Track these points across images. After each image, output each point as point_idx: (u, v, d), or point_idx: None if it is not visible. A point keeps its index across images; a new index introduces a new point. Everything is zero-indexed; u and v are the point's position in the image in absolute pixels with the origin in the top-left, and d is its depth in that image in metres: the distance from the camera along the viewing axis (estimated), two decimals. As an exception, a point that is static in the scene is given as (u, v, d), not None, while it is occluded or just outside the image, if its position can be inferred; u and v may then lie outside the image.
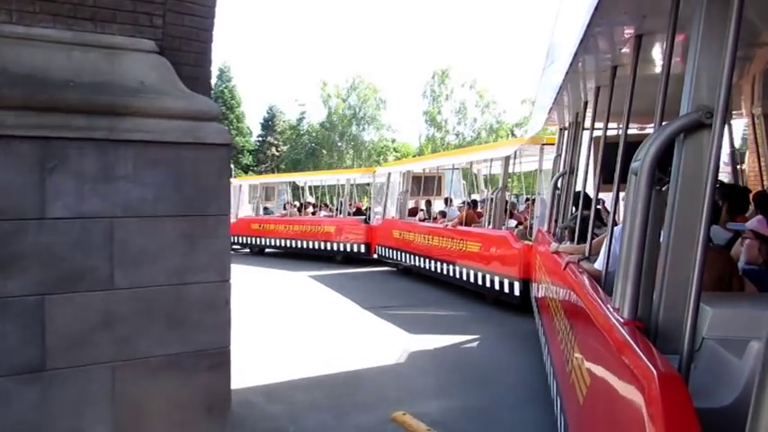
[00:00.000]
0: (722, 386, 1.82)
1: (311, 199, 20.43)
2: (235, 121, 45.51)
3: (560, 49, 3.58)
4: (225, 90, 45.33)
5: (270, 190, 20.03)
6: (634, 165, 2.22)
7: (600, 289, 2.87)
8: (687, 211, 1.95)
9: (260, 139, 49.13)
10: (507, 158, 9.68)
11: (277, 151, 47.12)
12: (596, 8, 2.50)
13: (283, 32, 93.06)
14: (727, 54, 1.76)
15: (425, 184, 13.36)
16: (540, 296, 6.18)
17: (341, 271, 14.01)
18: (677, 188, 2.00)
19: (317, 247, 16.14)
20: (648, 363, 1.69)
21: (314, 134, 43.88)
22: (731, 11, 1.74)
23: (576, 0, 2.91)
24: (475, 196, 13.45)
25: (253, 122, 50.19)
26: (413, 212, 13.88)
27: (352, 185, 16.82)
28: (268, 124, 48.81)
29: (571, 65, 3.46)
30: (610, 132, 4.03)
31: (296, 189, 21.14)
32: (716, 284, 2.49)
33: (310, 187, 21.26)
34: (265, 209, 19.78)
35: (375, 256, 14.23)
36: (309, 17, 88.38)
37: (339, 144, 42.09)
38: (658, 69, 3.37)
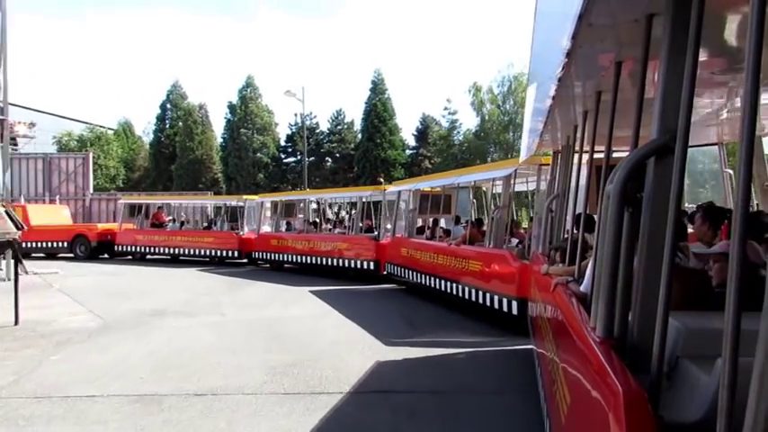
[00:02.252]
0: (693, 403, 1.92)
1: (331, 215, 21.17)
2: (387, 133, 44.15)
3: (543, 74, 3.80)
4: (378, 103, 44.13)
5: (291, 207, 20.44)
6: (607, 188, 2.42)
7: (582, 310, 3.04)
8: (655, 233, 2.10)
9: (413, 151, 47.26)
10: (508, 178, 9.93)
11: (430, 164, 45.13)
12: (573, 36, 2.69)
13: (437, 39, 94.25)
14: (687, 80, 1.92)
15: (436, 203, 13.62)
16: (533, 316, 6.38)
17: (344, 287, 14.30)
18: (647, 210, 2.17)
19: (328, 263, 16.70)
20: (616, 380, 1.86)
21: (465, 144, 42.99)
22: (690, 40, 1.91)
23: (553, 28, 3.12)
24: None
25: (409, 135, 48.17)
26: (421, 230, 14.26)
27: (364, 203, 17.10)
28: (421, 136, 47.18)
29: (556, 91, 3.68)
30: (602, 156, 4.22)
31: (317, 205, 21.52)
32: (691, 304, 2.65)
33: (330, 204, 21.68)
34: (288, 224, 20.26)
35: (384, 273, 14.61)
36: (461, 20, 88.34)
37: (493, 153, 41.05)
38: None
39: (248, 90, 45.84)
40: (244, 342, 7.87)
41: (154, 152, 48.27)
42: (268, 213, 21.54)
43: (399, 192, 14.93)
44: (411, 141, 47.71)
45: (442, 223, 14.17)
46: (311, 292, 13.15)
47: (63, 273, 17.42)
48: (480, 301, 9.51)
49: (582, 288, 3.59)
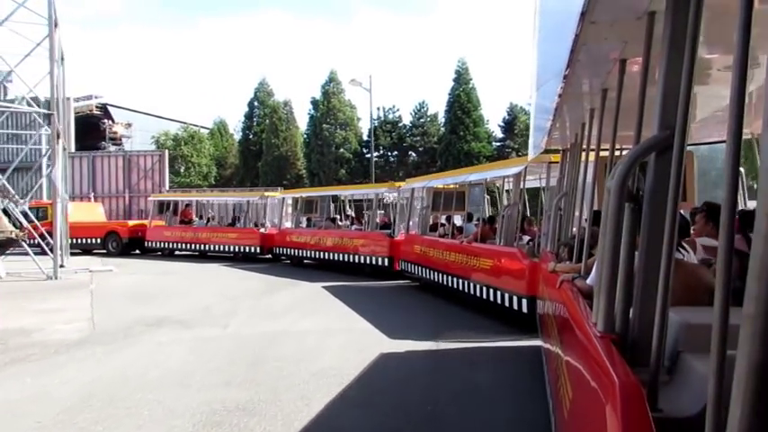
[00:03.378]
0: (691, 397, 1.90)
1: (351, 212, 21.03)
2: (471, 125, 40.63)
3: (549, 72, 3.73)
4: (461, 93, 40.74)
5: (311, 203, 20.41)
6: (608, 183, 2.37)
7: (586, 305, 2.98)
8: (655, 228, 2.06)
9: (499, 143, 42.93)
10: (518, 176, 9.82)
11: (518, 156, 40.35)
12: (577, 35, 2.64)
13: (524, 23, 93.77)
14: (685, 77, 1.88)
15: (450, 200, 13.51)
16: (542, 313, 6.30)
17: (355, 283, 14.28)
18: (647, 205, 2.13)
19: (345, 259, 16.65)
20: (613, 374, 1.82)
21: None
22: (688, 37, 1.85)
23: (557, 26, 3.06)
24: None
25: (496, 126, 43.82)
26: (435, 227, 14.10)
27: (380, 199, 17.04)
28: (508, 127, 42.82)
29: (563, 89, 3.61)
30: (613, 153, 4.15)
31: (336, 201, 21.48)
32: (693, 299, 2.59)
33: (350, 200, 21.64)
34: (308, 221, 20.21)
35: (398, 270, 14.52)
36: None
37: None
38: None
39: (331, 85, 43.29)
40: (212, 369, 6.54)
41: (242, 149, 47.46)
42: (290, 210, 21.53)
43: (413, 189, 14.82)
44: (498, 133, 43.51)
45: (457, 221, 14.07)
46: (333, 292, 12.78)
47: (116, 271, 17.14)
48: (491, 298, 9.41)
49: (588, 281, 3.52)
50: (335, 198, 20.97)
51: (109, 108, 47.21)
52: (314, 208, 20.37)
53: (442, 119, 43.51)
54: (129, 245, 23.43)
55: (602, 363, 2.02)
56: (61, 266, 17.14)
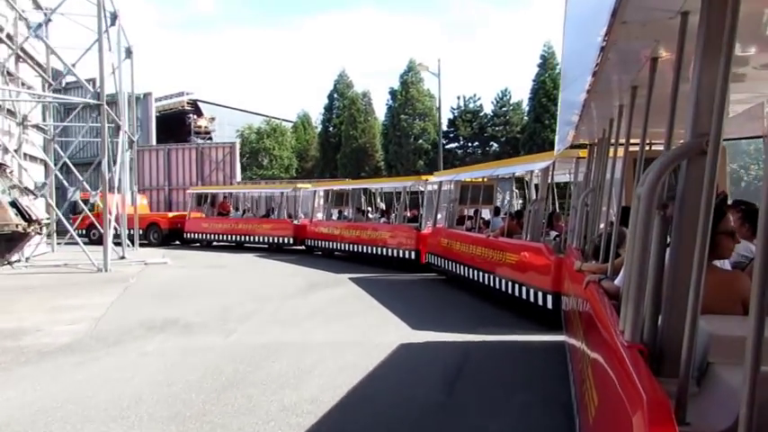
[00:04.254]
0: (721, 411, 1.81)
1: (381, 205, 21.06)
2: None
3: (578, 68, 3.58)
4: (547, 79, 37.84)
5: (342, 196, 20.42)
6: (637, 189, 2.24)
7: (613, 310, 2.87)
8: (687, 234, 1.96)
9: None
10: (546, 170, 9.61)
11: None
12: (607, 33, 2.51)
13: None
14: (720, 82, 1.78)
15: (478, 193, 13.30)
16: (567, 310, 6.14)
17: (383, 275, 14.17)
18: (679, 213, 2.03)
19: (373, 252, 16.59)
20: (640, 387, 1.73)
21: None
22: (724, 39, 1.77)
23: (586, 24, 2.92)
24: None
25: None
26: (462, 221, 13.95)
27: (408, 193, 16.92)
28: None
29: (591, 85, 3.47)
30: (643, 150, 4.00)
31: (367, 194, 21.34)
32: (726, 308, 2.46)
33: (381, 193, 21.61)
34: (339, 213, 20.27)
35: (425, 262, 14.37)
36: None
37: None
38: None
39: (410, 74, 41.31)
40: (170, 395, 5.48)
41: (321, 141, 46.04)
42: (322, 202, 21.57)
43: (441, 182, 14.64)
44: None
45: (485, 215, 13.87)
46: (363, 292, 12.48)
47: (170, 264, 16.83)
48: (516, 293, 9.22)
49: (616, 282, 3.38)
50: (366, 191, 20.90)
51: (199, 104, 47.61)
52: (344, 200, 20.37)
53: (525, 107, 40.90)
54: (169, 236, 23.82)
55: (629, 374, 1.94)
56: (122, 258, 17.42)
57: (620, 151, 4.60)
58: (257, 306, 9.94)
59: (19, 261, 14.89)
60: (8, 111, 16.75)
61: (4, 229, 8.84)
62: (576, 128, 5.38)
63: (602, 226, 5.28)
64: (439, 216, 14.69)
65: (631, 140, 4.18)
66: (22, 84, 17.50)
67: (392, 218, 17.67)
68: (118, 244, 18.34)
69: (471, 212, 13.79)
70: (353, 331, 8.03)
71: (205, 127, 45.49)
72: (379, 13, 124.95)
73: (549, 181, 9.72)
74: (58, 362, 6.65)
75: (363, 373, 6.13)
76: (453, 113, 43.04)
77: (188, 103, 46.90)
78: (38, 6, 17.91)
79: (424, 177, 16.33)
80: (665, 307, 2.09)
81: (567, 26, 3.36)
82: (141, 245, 22.37)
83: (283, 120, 50.21)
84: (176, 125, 43.78)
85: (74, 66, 17.33)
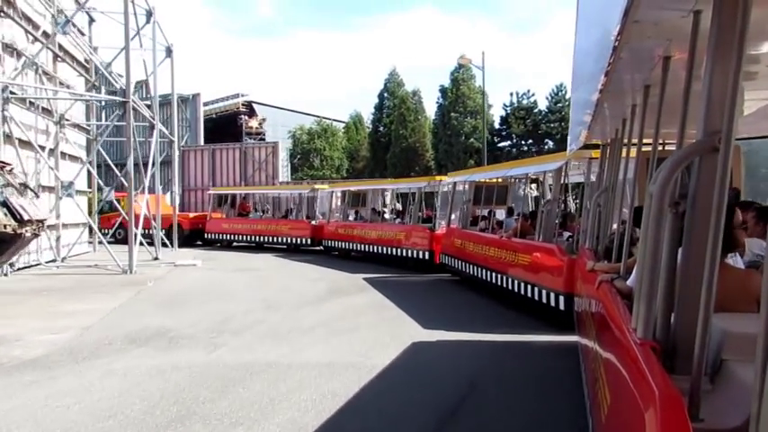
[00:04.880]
0: (734, 407, 1.81)
1: (398, 205, 20.94)
2: None
3: (590, 68, 3.54)
4: None
5: (359, 196, 20.36)
6: (649, 187, 2.21)
7: (625, 309, 2.83)
8: (699, 232, 1.94)
9: None
10: (558, 171, 9.51)
11: None
12: (619, 32, 2.48)
13: None
14: (732, 80, 1.78)
15: (492, 194, 13.16)
16: (579, 311, 6.07)
17: (397, 277, 14.05)
18: (692, 211, 2.01)
19: (388, 252, 16.50)
20: (653, 383, 1.71)
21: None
22: (736, 38, 1.75)
23: (598, 23, 2.89)
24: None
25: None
26: (476, 222, 13.82)
27: (422, 193, 16.77)
28: None
29: (603, 84, 3.42)
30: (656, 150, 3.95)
31: (384, 195, 21.31)
32: (739, 306, 2.41)
33: (398, 194, 21.49)
34: (356, 213, 20.19)
35: (439, 263, 14.26)
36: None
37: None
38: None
39: (461, 71, 38.91)
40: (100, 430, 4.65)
41: (371, 141, 44.42)
42: (339, 203, 21.53)
43: (455, 183, 14.52)
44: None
45: (500, 215, 13.75)
46: (364, 279, 12.57)
47: (199, 266, 16.30)
48: (528, 294, 9.11)
49: (629, 282, 3.33)
50: (383, 191, 20.77)
51: (253, 105, 46.99)
52: (361, 201, 20.33)
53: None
54: (191, 236, 23.90)
55: (641, 371, 1.91)
56: (155, 259, 17.21)
57: (633, 151, 4.54)
58: (263, 315, 9.12)
59: (12, 265, 13.86)
60: (44, 109, 16.53)
61: None
62: (588, 128, 5.32)
63: (614, 226, 5.22)
64: (453, 217, 14.59)
65: (644, 140, 4.13)
66: (60, 83, 17.21)
67: (405, 218, 17.63)
68: (158, 244, 18.20)
69: (484, 213, 13.69)
70: (354, 349, 7.01)
71: (256, 127, 44.70)
72: (437, 13, 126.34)
73: (563, 182, 9.60)
74: (11, 380, 5.88)
75: (340, 404, 5.17)
76: (506, 110, 40.60)
77: (243, 104, 46.41)
78: (78, 4, 17.83)
79: (438, 178, 16.25)
80: (678, 304, 2.06)
81: (578, 25, 3.32)
82: (163, 245, 22.13)
83: (335, 120, 49.09)
84: (228, 126, 43.63)
85: (109, 64, 17.23)
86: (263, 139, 41.59)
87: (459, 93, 38.83)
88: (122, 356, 6.69)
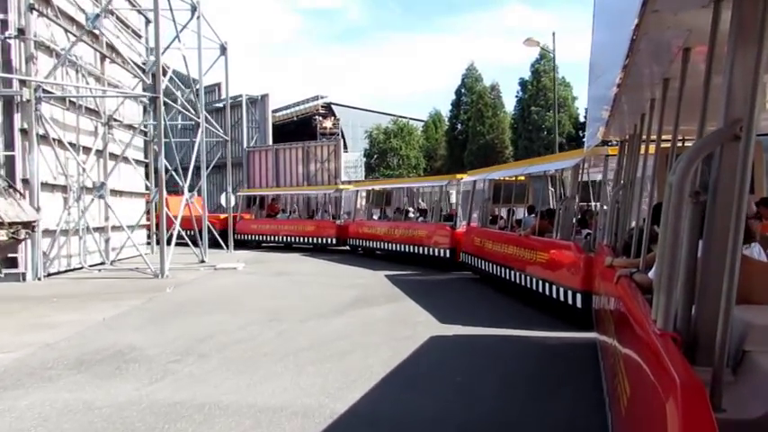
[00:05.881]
0: (757, 398, 1.77)
1: (423, 204, 20.63)
2: None
3: (606, 62, 3.44)
4: None
5: (382, 195, 20.15)
6: (669, 178, 2.13)
7: (645, 301, 2.75)
8: (721, 223, 1.87)
9: None
10: (575, 168, 9.34)
11: None
12: (638, 25, 2.40)
13: None
14: (754, 68, 1.73)
15: (511, 192, 12.95)
16: (597, 308, 5.93)
17: (419, 276, 13.91)
18: (712, 201, 1.94)
19: (411, 250, 16.33)
20: (674, 373, 1.64)
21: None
22: (758, 27, 1.70)
23: (616, 14, 2.80)
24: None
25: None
26: (495, 220, 13.66)
27: (444, 191, 16.62)
28: None
29: (621, 79, 3.32)
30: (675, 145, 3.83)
31: (412, 195, 20.82)
32: (762, 299, 2.32)
33: (422, 192, 21.27)
34: (382, 211, 20.00)
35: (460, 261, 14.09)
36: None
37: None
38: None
39: (542, 62, 35.61)
40: None
41: (448, 139, 41.83)
42: (363, 202, 21.39)
43: (474, 181, 14.35)
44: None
45: (520, 214, 13.56)
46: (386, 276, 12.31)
47: (240, 269, 15.68)
48: (546, 292, 8.94)
49: (650, 275, 3.23)
50: (407, 190, 20.52)
51: (333, 107, 45.58)
52: (385, 200, 20.20)
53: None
54: (222, 237, 23.94)
55: (662, 361, 1.83)
56: (201, 261, 16.91)
57: (652, 147, 4.42)
58: (257, 331, 7.93)
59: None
60: (92, 110, 16.26)
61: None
62: (606, 124, 5.19)
63: (632, 223, 5.09)
64: (473, 215, 14.45)
65: (663, 136, 4.01)
66: (110, 84, 17.01)
67: (427, 217, 17.52)
68: (205, 246, 17.80)
69: (503, 211, 13.53)
70: (327, 383, 5.57)
71: (330, 128, 42.81)
72: (526, 8, 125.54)
73: (580, 179, 9.42)
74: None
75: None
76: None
77: (322, 106, 45.11)
78: (131, 4, 17.63)
79: (458, 176, 16.12)
80: (699, 295, 1.99)
81: (595, 18, 3.23)
82: (219, 246, 20.75)
83: (414, 119, 46.45)
84: (306, 128, 42.38)
85: (154, 63, 16.18)
86: (338, 136, 39.88)
87: (540, 85, 35.38)
88: (45, 387, 5.61)
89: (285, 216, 24.25)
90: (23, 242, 10.76)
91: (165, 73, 17.24)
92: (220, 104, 30.81)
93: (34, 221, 9.42)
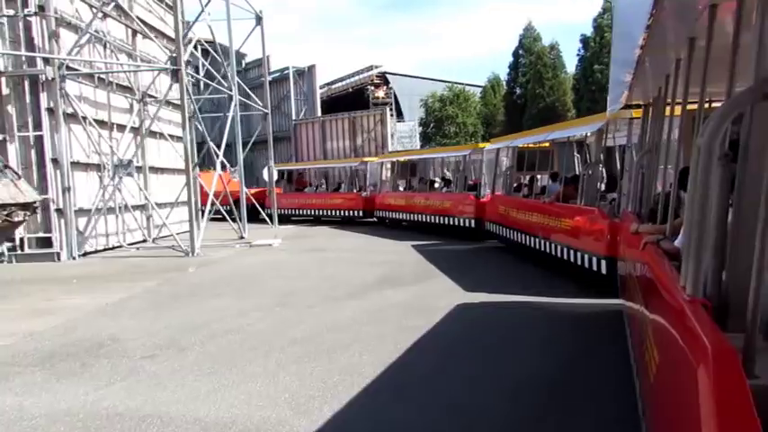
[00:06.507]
0: None
1: (448, 174, 20.08)
2: None
3: (630, 23, 3.27)
4: None
5: (407, 167, 19.90)
6: (698, 140, 2.02)
7: (673, 268, 2.65)
8: (752, 185, 1.78)
9: None
10: (599, 133, 9.06)
11: None
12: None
13: None
14: None
15: (535, 159, 12.62)
16: (623, 275, 5.80)
17: (443, 246, 13.81)
18: (743, 163, 1.84)
19: (436, 221, 16.16)
20: (705, 339, 1.58)
21: None
22: None
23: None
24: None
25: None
26: (519, 188, 13.41)
27: (467, 160, 16.27)
28: None
29: (645, 39, 3.16)
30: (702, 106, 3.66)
31: (437, 165, 20.51)
32: None
33: (447, 162, 20.76)
34: (408, 183, 19.72)
35: (484, 230, 13.95)
36: None
37: None
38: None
39: (605, 16, 32.21)
40: None
41: (506, 104, 38.78)
42: (388, 174, 21.20)
43: (498, 149, 14.06)
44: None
45: (545, 181, 13.29)
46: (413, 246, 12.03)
47: (275, 246, 15.24)
48: (571, 259, 8.77)
49: (677, 242, 3.12)
50: (431, 161, 20.16)
51: (387, 76, 43.33)
52: (410, 171, 19.97)
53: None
54: (252, 211, 23.90)
55: (692, 328, 1.76)
56: (241, 238, 16.54)
57: (677, 110, 4.24)
58: (257, 318, 7.25)
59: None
60: (124, 87, 15.98)
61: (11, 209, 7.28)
62: (629, 87, 4.98)
63: (658, 189, 4.93)
64: (497, 184, 14.24)
65: (689, 99, 3.83)
66: (141, 59, 16.63)
67: (451, 187, 17.34)
68: (244, 222, 17.35)
69: (526, 179, 13.30)
70: (300, 391, 4.66)
71: (383, 97, 40.62)
72: None
73: (604, 144, 9.14)
74: None
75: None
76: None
77: (376, 76, 42.86)
78: None
79: (481, 145, 15.84)
80: (730, 260, 1.91)
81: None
82: (263, 221, 20.43)
83: (471, 85, 43.09)
84: (357, 98, 40.32)
85: (185, 34, 15.54)
86: (391, 109, 37.77)
87: (604, 41, 31.48)
88: (91, 371, 5.33)
89: (312, 190, 24.30)
90: (22, 224, 10.34)
91: (196, 46, 16.88)
92: (269, 78, 30.22)
93: (35, 203, 9.02)
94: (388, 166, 21.15)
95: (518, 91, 38.14)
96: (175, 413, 4.29)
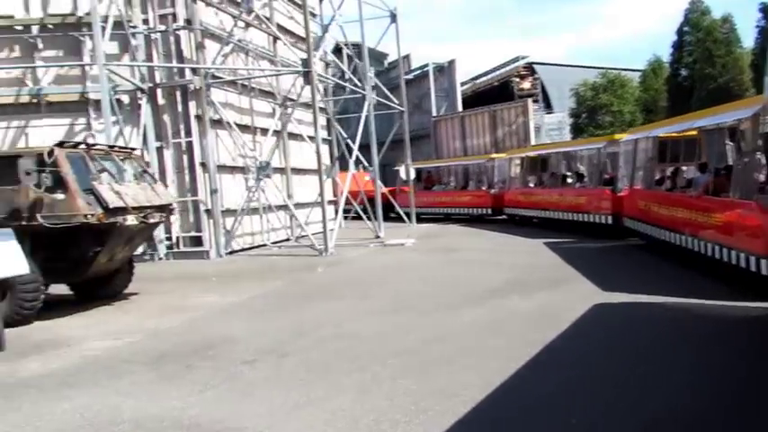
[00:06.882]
0: None
1: (581, 168, 18.22)
2: None
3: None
4: None
5: (537, 162, 18.98)
6: None
7: None
8: None
9: None
10: (754, 118, 7.76)
11: None
12: None
13: None
14: None
15: (679, 150, 11.37)
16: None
17: (576, 244, 12.99)
18: None
19: (570, 218, 15.21)
20: None
21: None
22: None
23: None
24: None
25: None
26: (661, 181, 11.99)
27: (601, 154, 15.03)
28: None
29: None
30: None
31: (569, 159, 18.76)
32: None
33: (581, 156, 19.00)
34: (539, 179, 18.76)
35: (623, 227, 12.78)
36: None
37: None
38: None
39: None
40: None
41: (669, 88, 33.68)
42: (517, 170, 20.09)
43: (636, 140, 12.65)
44: None
45: (691, 174, 11.81)
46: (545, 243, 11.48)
47: (408, 245, 14.94)
48: (724, 258, 7.65)
49: None
50: (563, 155, 18.66)
51: (534, 66, 40.79)
52: (540, 166, 18.89)
53: None
54: (384, 209, 23.83)
55: None
56: (377, 237, 16.49)
57: None
58: (366, 325, 6.91)
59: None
60: (265, 92, 16.70)
61: (72, 221, 7.27)
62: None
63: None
64: (635, 177, 12.92)
65: None
66: (282, 65, 17.23)
67: (585, 181, 16.08)
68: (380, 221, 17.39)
69: (670, 171, 11.89)
70: (381, 418, 4.03)
71: (528, 89, 38.30)
72: None
73: (762, 130, 7.80)
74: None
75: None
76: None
77: (523, 67, 40.55)
78: None
79: (616, 137, 14.46)
80: None
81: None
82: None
83: (627, 70, 39.15)
84: (502, 91, 37.97)
85: (322, 37, 16.55)
86: (537, 101, 36.09)
87: None
88: (102, 387, 5.11)
89: (441, 188, 24.03)
90: (159, 225, 10.84)
91: (340, 48, 16.90)
92: (409, 76, 29.98)
93: (170, 205, 9.48)
94: (517, 161, 20.17)
95: (683, 73, 33.03)
96: (252, 430, 3.99)
